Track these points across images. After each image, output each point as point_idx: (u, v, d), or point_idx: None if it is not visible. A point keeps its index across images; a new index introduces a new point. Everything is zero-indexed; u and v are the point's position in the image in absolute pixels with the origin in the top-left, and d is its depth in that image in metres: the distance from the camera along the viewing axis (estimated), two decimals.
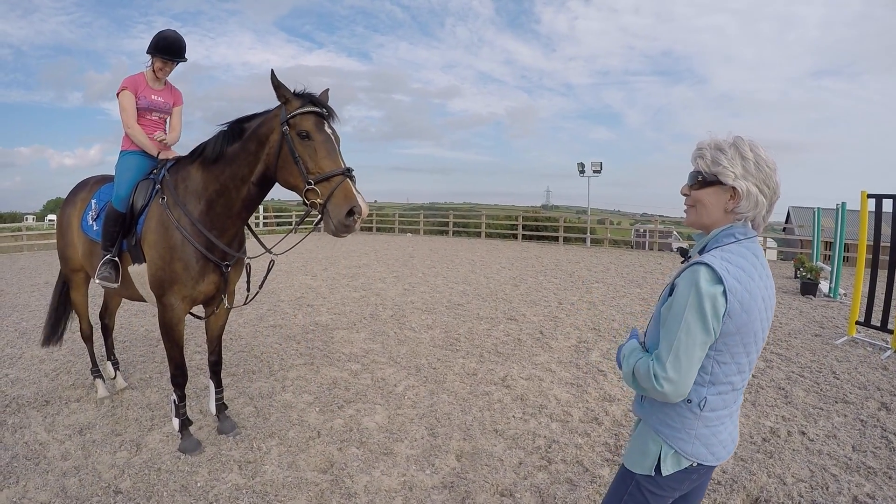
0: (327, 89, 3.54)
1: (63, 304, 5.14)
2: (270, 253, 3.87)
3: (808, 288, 10.54)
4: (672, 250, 23.51)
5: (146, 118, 4.24)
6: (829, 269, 10.99)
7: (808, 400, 4.97)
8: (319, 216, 3.22)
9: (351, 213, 3.05)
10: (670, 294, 1.69)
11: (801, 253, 14.16)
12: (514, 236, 23.99)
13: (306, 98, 3.33)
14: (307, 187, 3.17)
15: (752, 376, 5.42)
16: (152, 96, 4.19)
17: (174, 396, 4.04)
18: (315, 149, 3.21)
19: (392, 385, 5.30)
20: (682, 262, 1.76)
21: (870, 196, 7.04)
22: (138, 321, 7.94)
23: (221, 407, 4.34)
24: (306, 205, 3.26)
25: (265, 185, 3.60)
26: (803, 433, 4.30)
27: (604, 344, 6.71)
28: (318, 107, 3.32)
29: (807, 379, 5.54)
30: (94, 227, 4.21)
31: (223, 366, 4.54)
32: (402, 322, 7.85)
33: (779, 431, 4.32)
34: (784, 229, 27.25)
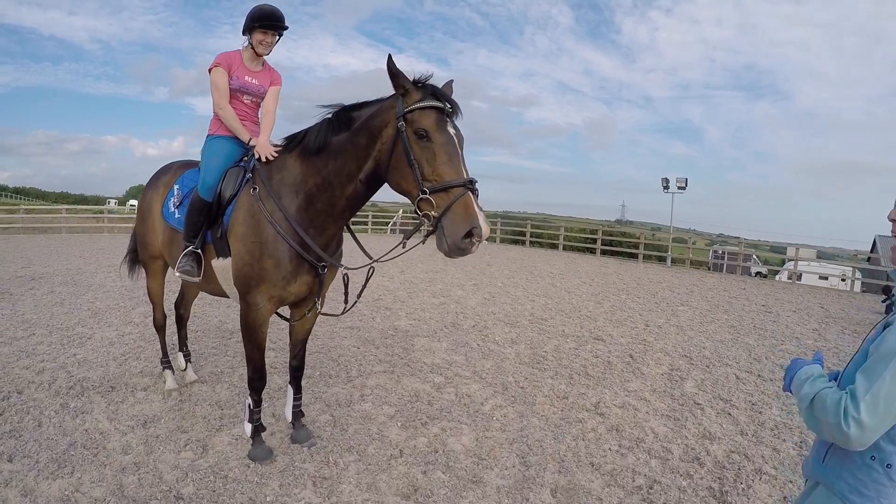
0: (451, 81, 3.04)
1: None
2: (371, 259, 3.37)
3: None
4: (751, 274, 22.18)
5: (238, 101, 3.83)
6: None
7: None
8: (432, 229, 2.74)
9: (469, 234, 2.58)
10: (883, 331, 1.52)
11: (891, 284, 12.85)
12: (592, 250, 23.16)
13: (428, 90, 2.83)
14: (421, 196, 2.71)
15: None
16: (246, 77, 3.79)
17: (249, 400, 3.63)
18: (434, 152, 2.73)
19: (478, 403, 4.79)
20: (884, 302, 1.36)
21: None
22: (212, 311, 7.71)
23: (298, 414, 3.91)
24: (418, 215, 2.79)
25: (374, 184, 3.13)
26: None
27: (697, 374, 6.08)
28: (440, 101, 2.81)
29: None
30: (176, 215, 3.87)
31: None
32: (484, 334, 7.36)
33: None
34: (869, 259, 25.17)
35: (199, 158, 3.95)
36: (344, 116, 3.14)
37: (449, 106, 2.83)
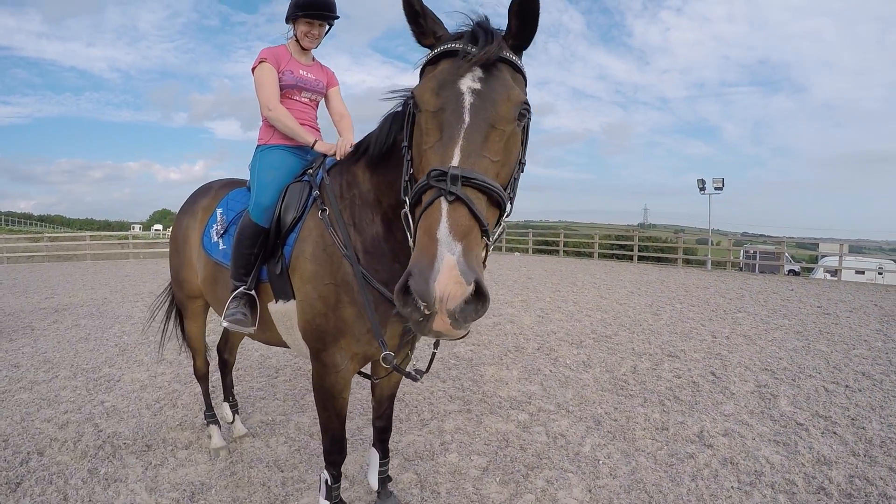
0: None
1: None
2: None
3: None
4: (785, 273, 21.41)
5: (294, 98, 3.09)
6: None
7: None
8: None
9: (406, 292, 1.48)
10: None
11: None
12: (626, 257, 22.53)
13: (462, 33, 1.79)
14: (403, 210, 1.78)
15: None
16: (300, 71, 3.05)
17: (326, 476, 2.80)
18: (422, 128, 1.74)
19: (576, 444, 4.07)
20: None
21: None
22: (250, 343, 6.79)
23: (385, 480, 3.14)
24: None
25: None
26: None
27: (785, 388, 5.52)
28: (460, 40, 1.76)
29: None
30: (221, 246, 3.10)
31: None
32: (553, 357, 6.62)
33: None
34: None
35: (235, 177, 3.26)
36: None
37: (472, 45, 1.71)
